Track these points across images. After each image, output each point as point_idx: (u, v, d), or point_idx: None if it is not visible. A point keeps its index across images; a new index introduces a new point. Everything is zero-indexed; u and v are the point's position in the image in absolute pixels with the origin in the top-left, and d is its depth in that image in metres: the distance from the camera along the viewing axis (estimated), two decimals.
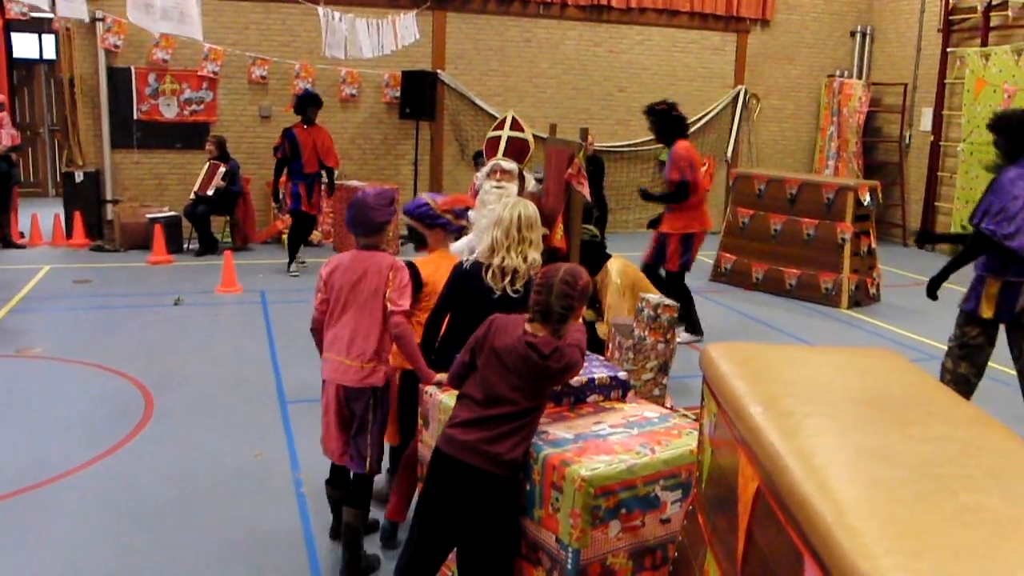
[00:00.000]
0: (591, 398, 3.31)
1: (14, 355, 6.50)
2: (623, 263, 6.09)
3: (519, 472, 2.89)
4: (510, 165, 5.23)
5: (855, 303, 8.88)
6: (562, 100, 12.47)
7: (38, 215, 10.90)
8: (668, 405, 4.49)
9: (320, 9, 8.02)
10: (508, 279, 3.44)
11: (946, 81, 12.17)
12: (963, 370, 5.18)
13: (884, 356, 2.58)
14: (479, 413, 2.87)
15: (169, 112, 11.03)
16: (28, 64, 14.31)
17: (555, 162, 5.89)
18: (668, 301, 4.66)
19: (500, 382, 2.86)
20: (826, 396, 2.10)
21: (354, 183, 10.55)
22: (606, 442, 2.95)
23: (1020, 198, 4.71)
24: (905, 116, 12.79)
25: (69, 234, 10.68)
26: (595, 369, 3.37)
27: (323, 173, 9.59)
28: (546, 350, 2.85)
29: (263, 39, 11.07)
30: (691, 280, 9.68)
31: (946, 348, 5.38)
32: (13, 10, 10.33)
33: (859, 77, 13.38)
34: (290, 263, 9.46)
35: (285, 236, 10.12)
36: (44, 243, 10.67)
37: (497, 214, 3.48)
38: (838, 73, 13.46)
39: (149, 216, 10.28)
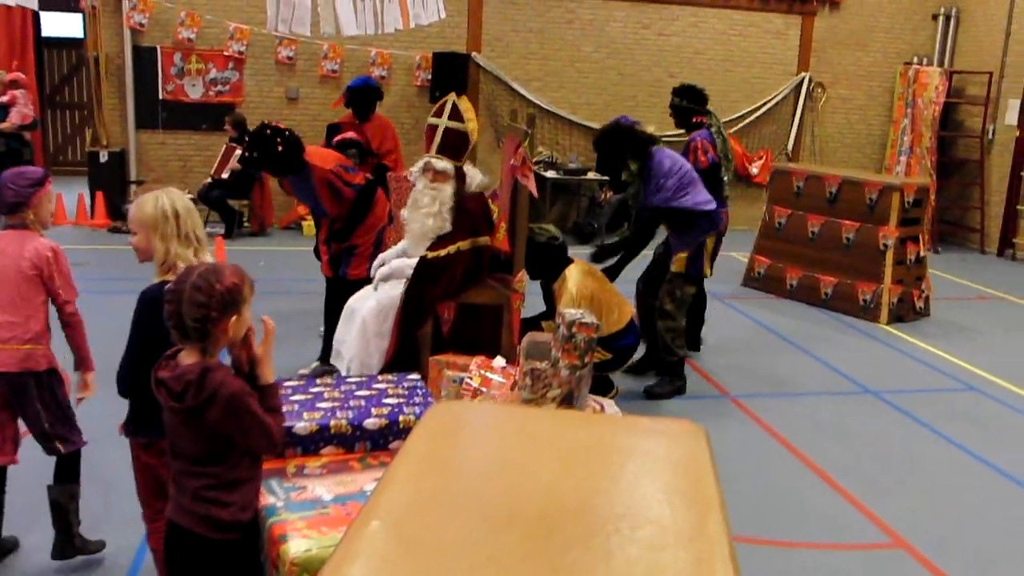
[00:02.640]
0: (394, 444, 2.72)
1: None
2: (584, 269, 5.42)
3: (243, 534, 2.32)
4: (443, 165, 4.64)
5: (897, 318, 7.92)
6: (607, 86, 11.71)
7: (63, 195, 10.85)
8: None
9: None
10: None
11: None
12: (683, 322, 5.92)
13: (682, 436, 1.87)
14: (172, 466, 2.32)
15: (195, 92, 10.80)
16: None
17: (508, 151, 5.28)
18: (587, 319, 3.98)
19: (169, 429, 2.30)
20: (479, 508, 1.45)
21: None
22: None
23: (672, 176, 5.58)
24: (989, 108, 11.53)
25: (93, 214, 10.62)
26: (406, 408, 2.77)
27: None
28: (177, 387, 2.23)
29: None
30: (722, 285, 8.88)
31: (665, 312, 5.82)
32: None
33: (940, 64, 12.15)
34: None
35: (306, 223, 9.79)
36: (68, 222, 10.63)
37: (184, 207, 2.87)
38: (915, 60, 12.26)
39: None
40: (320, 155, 5.53)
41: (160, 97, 10.73)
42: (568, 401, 3.92)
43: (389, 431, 2.69)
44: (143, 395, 2.80)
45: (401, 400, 2.82)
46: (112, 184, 10.63)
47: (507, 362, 4.66)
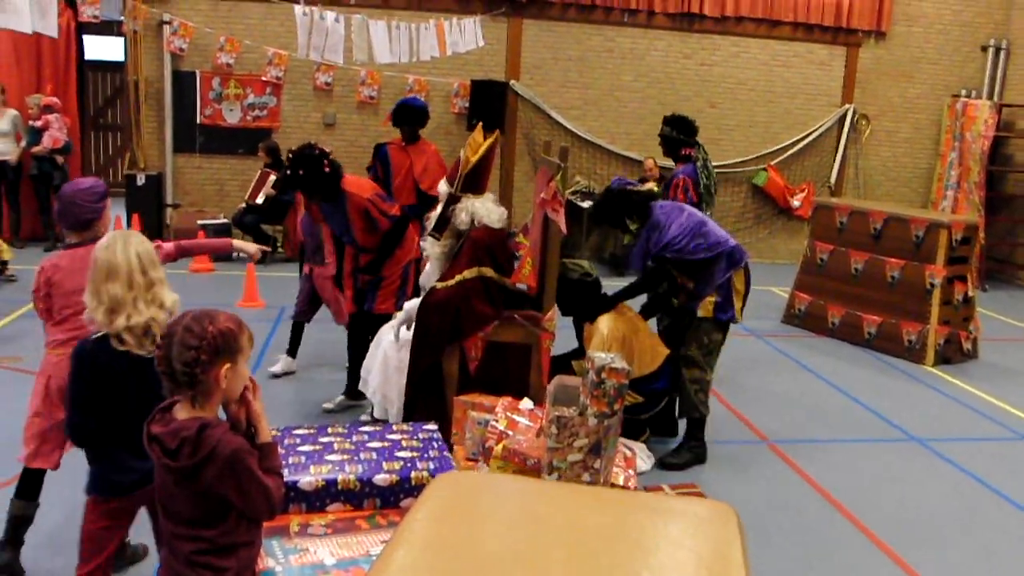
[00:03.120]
0: (405, 502, 2.56)
1: None
2: (619, 309, 5.23)
3: None
4: (442, 187, 4.55)
5: (943, 360, 7.62)
6: (646, 115, 11.55)
7: None
8: None
9: (297, 8, 7.43)
10: (150, 339, 2.66)
11: None
12: (710, 375, 5.30)
13: (709, 522, 1.69)
14: (164, 528, 2.18)
15: (232, 117, 10.83)
16: None
17: (539, 185, 5.13)
18: (618, 363, 3.80)
19: (161, 488, 2.16)
20: None
21: None
22: None
23: (672, 226, 5.04)
24: None
25: None
26: (419, 463, 2.61)
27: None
28: (172, 443, 2.07)
29: None
30: (761, 322, 8.63)
31: (690, 359, 5.21)
32: (86, 13, 10.35)
33: (990, 97, 11.84)
34: None
35: None
36: None
37: (102, 260, 2.72)
38: (964, 93, 11.96)
39: (200, 223, 10.11)
40: (357, 184, 5.44)
41: (198, 121, 10.79)
42: (595, 451, 3.73)
43: (400, 488, 2.53)
44: (94, 453, 2.78)
45: (415, 454, 2.66)
46: (149, 207, 10.66)
47: (535, 404, 4.50)
